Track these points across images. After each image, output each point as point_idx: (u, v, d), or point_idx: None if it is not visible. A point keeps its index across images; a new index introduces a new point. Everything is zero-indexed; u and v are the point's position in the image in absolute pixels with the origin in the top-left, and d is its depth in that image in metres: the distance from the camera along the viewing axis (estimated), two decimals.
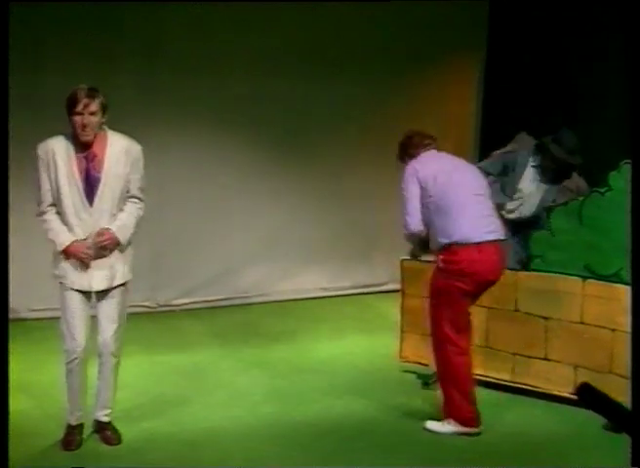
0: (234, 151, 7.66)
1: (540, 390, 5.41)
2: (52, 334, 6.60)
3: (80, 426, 4.59)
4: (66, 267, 4.38)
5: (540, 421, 5.12)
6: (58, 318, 7.11)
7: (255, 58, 7.53)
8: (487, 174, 5.88)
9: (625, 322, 4.92)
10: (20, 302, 6.43)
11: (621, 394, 4.99)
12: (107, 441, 4.61)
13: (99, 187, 4.33)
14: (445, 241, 4.70)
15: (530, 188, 6.06)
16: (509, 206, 6.08)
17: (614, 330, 5.06)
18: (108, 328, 4.50)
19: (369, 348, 6.54)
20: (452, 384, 4.82)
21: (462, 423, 4.82)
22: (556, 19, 7.80)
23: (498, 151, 6.41)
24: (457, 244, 4.67)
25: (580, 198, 5.44)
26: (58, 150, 4.32)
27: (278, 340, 6.67)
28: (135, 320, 6.93)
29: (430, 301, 4.87)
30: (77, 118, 4.28)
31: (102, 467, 4.36)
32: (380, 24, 8.00)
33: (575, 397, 5.22)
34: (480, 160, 8.73)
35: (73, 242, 4.32)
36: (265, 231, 7.86)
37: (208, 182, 7.60)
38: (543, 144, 6.05)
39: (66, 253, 4.34)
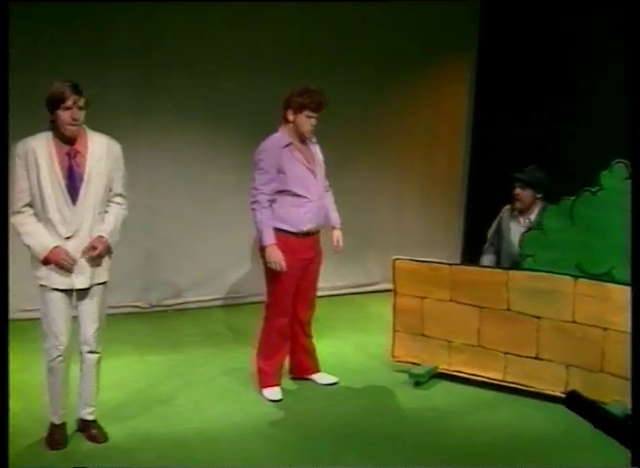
0: (227, 150, 7.65)
1: (531, 389, 5.41)
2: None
3: (64, 425, 4.59)
4: (49, 267, 4.34)
5: (532, 420, 5.12)
6: None
7: (248, 56, 7.51)
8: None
9: (617, 321, 4.93)
10: (10, 303, 6.40)
11: (613, 393, 5.06)
12: (93, 439, 4.61)
13: (82, 185, 4.31)
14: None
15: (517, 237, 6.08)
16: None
17: (605, 329, 5.06)
18: (90, 326, 4.50)
19: (361, 348, 6.54)
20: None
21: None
22: (548, 19, 7.81)
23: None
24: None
25: (572, 198, 5.44)
26: (38, 148, 4.26)
27: None
28: (126, 320, 6.99)
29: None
30: (66, 113, 4.24)
31: (93, 467, 4.33)
32: (372, 24, 7.99)
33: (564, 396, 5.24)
34: (472, 161, 8.78)
35: (52, 249, 4.27)
36: None
37: (200, 181, 7.59)
38: (513, 178, 6.16)
39: (46, 260, 4.30)
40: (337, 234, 5.58)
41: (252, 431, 4.84)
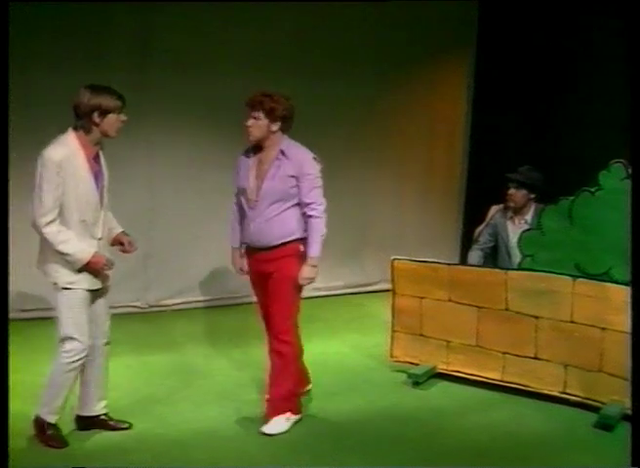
0: (225, 150, 7.63)
1: (530, 389, 5.42)
2: (41, 335, 6.62)
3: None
4: (76, 271, 4.42)
5: (531, 420, 5.12)
6: (48, 318, 7.12)
7: (246, 56, 7.51)
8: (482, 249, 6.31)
9: (616, 321, 4.93)
10: (10, 303, 6.40)
11: (611, 393, 5.07)
12: (118, 428, 4.74)
13: (105, 187, 4.50)
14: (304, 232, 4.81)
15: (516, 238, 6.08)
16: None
17: (604, 328, 5.07)
18: (107, 320, 4.69)
19: (360, 348, 6.54)
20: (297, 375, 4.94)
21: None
22: (547, 19, 7.82)
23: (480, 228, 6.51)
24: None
25: (570, 198, 5.45)
26: (73, 154, 4.32)
27: None
28: (125, 320, 6.97)
29: (290, 289, 4.80)
30: (118, 119, 4.42)
31: (93, 467, 4.34)
32: (371, 24, 8.01)
33: (565, 396, 5.25)
34: (470, 161, 8.79)
35: (95, 254, 4.40)
36: None
37: (198, 181, 7.59)
38: (507, 178, 6.18)
39: (87, 265, 4.40)
40: None
41: (251, 431, 4.83)
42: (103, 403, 4.76)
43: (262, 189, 4.78)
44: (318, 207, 4.77)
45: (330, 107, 8.02)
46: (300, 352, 5.09)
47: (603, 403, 5.07)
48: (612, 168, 5.28)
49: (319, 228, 4.76)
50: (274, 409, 4.82)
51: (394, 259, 5.89)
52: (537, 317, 5.34)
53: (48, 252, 4.42)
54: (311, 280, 4.81)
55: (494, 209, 6.41)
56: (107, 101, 4.37)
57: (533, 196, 6.15)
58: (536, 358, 5.39)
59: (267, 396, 4.90)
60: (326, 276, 8.37)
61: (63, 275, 4.43)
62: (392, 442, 4.77)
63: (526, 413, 5.22)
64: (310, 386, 5.34)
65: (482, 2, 8.41)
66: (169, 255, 7.53)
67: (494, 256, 6.29)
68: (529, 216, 6.13)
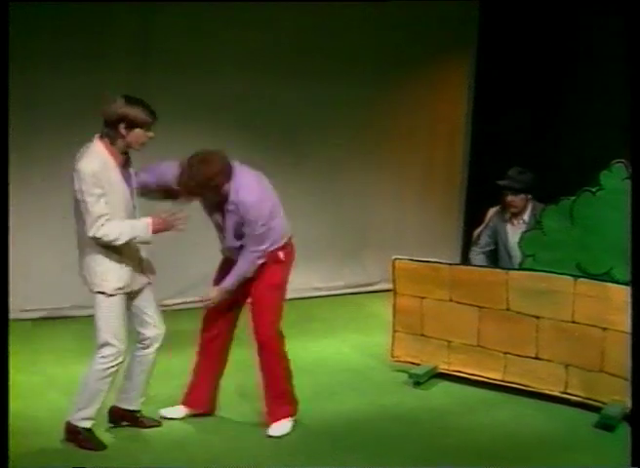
0: (226, 150, 7.64)
1: (531, 389, 5.41)
2: (43, 335, 6.63)
3: None
4: (124, 275, 4.47)
5: (532, 420, 5.12)
6: (48, 318, 7.13)
7: (246, 57, 7.51)
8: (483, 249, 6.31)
9: (617, 321, 4.93)
10: (11, 303, 6.40)
11: (612, 393, 5.06)
12: (151, 425, 4.80)
13: (133, 191, 4.52)
14: (285, 238, 4.81)
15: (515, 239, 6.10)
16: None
17: (605, 328, 5.06)
18: (160, 317, 4.80)
19: (360, 348, 6.54)
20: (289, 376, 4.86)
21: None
22: (547, 18, 7.82)
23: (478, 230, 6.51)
24: (288, 238, 4.85)
25: (571, 198, 5.45)
26: (106, 164, 4.33)
27: None
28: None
29: (273, 296, 4.77)
30: (144, 134, 4.42)
31: (93, 467, 4.33)
32: (371, 24, 8.00)
33: (566, 396, 5.25)
34: (471, 161, 8.79)
35: (151, 218, 4.46)
36: None
37: None
38: (501, 186, 6.17)
39: (157, 229, 4.49)
40: None
41: (250, 431, 4.83)
42: (142, 399, 4.75)
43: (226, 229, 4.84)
44: (253, 252, 4.71)
45: (329, 108, 8.02)
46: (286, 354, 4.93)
47: (604, 403, 5.06)
48: (613, 168, 5.27)
49: (245, 269, 4.73)
50: (276, 413, 4.81)
51: (395, 259, 5.88)
52: (538, 317, 5.34)
53: (92, 260, 4.41)
54: (210, 301, 4.86)
55: (491, 211, 6.41)
56: (136, 114, 4.35)
57: (530, 196, 6.16)
58: (537, 358, 5.38)
59: (265, 401, 4.87)
60: (327, 276, 8.42)
61: (111, 282, 4.43)
62: (393, 442, 4.77)
63: (527, 413, 5.22)
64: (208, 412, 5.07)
65: (482, 2, 8.40)
66: (170, 255, 7.48)
67: (494, 258, 6.29)
68: (526, 216, 6.14)
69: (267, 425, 4.80)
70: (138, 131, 4.36)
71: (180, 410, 4.98)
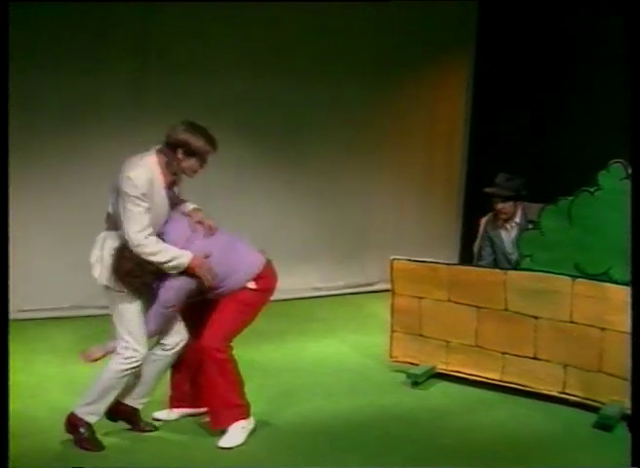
0: (225, 150, 7.58)
1: (529, 389, 5.42)
2: (41, 335, 6.63)
3: None
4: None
5: (530, 420, 5.12)
6: (48, 318, 7.12)
7: (247, 56, 7.53)
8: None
9: (615, 321, 4.93)
10: (10, 303, 6.40)
11: (611, 393, 5.06)
12: (146, 429, 4.73)
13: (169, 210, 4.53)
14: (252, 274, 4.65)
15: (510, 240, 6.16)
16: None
17: (603, 329, 5.07)
18: (182, 324, 4.68)
19: (359, 348, 6.55)
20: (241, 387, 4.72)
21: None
22: (546, 18, 7.82)
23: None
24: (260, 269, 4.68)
25: (569, 198, 5.45)
26: (152, 182, 4.34)
27: (269, 340, 6.65)
28: None
29: (238, 310, 4.64)
30: (198, 164, 4.44)
31: (92, 467, 4.34)
32: (370, 24, 8.01)
33: (565, 396, 5.25)
34: (470, 161, 8.80)
35: (195, 256, 4.38)
36: (256, 231, 7.83)
37: (198, 182, 7.54)
38: (489, 194, 6.21)
39: (189, 269, 4.37)
40: None
41: (250, 431, 4.84)
42: (145, 400, 4.70)
43: None
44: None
45: (329, 108, 8.03)
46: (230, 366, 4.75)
47: (602, 403, 5.07)
48: (611, 168, 5.28)
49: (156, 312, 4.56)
50: (218, 421, 4.66)
51: (393, 259, 5.89)
52: (536, 317, 5.34)
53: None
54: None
55: (483, 220, 6.43)
56: (197, 143, 4.37)
57: (519, 201, 6.19)
58: (535, 358, 5.39)
59: (206, 409, 4.75)
60: (326, 276, 8.42)
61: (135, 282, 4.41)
62: (391, 442, 4.77)
63: (525, 413, 5.22)
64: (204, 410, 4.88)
65: (482, 2, 8.41)
66: None
67: (494, 265, 6.29)
68: (518, 218, 6.18)
69: (210, 429, 4.70)
70: (194, 159, 4.39)
71: (172, 413, 4.94)
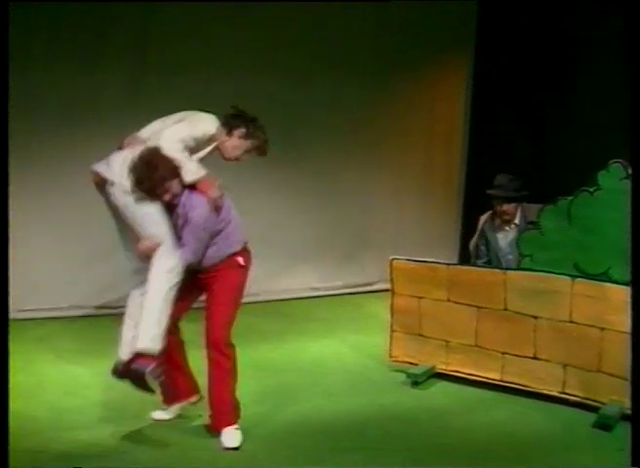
0: None
1: (529, 389, 5.42)
2: (41, 335, 6.63)
3: None
4: None
5: (530, 420, 5.12)
6: (48, 319, 7.12)
7: (247, 56, 7.53)
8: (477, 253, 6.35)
9: (615, 321, 4.93)
10: (10, 303, 6.41)
11: (611, 393, 5.06)
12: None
13: None
14: (241, 244, 4.75)
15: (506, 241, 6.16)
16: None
17: (603, 328, 5.07)
18: None
19: (359, 348, 6.55)
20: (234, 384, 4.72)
21: None
22: (546, 19, 7.82)
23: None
24: (245, 244, 4.79)
25: (569, 198, 5.46)
26: (206, 136, 4.65)
27: (268, 340, 6.66)
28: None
29: (231, 296, 4.71)
30: (243, 150, 4.83)
31: (92, 467, 4.34)
32: (370, 24, 8.01)
33: (564, 396, 5.26)
34: (469, 161, 8.80)
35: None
36: (255, 231, 7.80)
37: None
38: (492, 195, 6.20)
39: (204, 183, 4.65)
40: None
41: (250, 431, 4.82)
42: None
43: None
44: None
45: (329, 108, 8.03)
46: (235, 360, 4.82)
47: (602, 403, 5.07)
48: (610, 168, 5.28)
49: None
50: (221, 421, 4.66)
51: (393, 259, 5.89)
52: (536, 317, 5.35)
53: None
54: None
55: (482, 218, 6.42)
56: (260, 134, 4.84)
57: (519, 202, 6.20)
58: (535, 358, 5.39)
59: (210, 409, 4.72)
60: (325, 276, 8.42)
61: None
62: (391, 442, 4.77)
63: (525, 413, 5.22)
64: (198, 397, 4.98)
65: (482, 2, 8.41)
66: None
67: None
68: (517, 220, 6.18)
69: (211, 430, 4.70)
70: (248, 143, 4.80)
71: (169, 411, 4.94)
